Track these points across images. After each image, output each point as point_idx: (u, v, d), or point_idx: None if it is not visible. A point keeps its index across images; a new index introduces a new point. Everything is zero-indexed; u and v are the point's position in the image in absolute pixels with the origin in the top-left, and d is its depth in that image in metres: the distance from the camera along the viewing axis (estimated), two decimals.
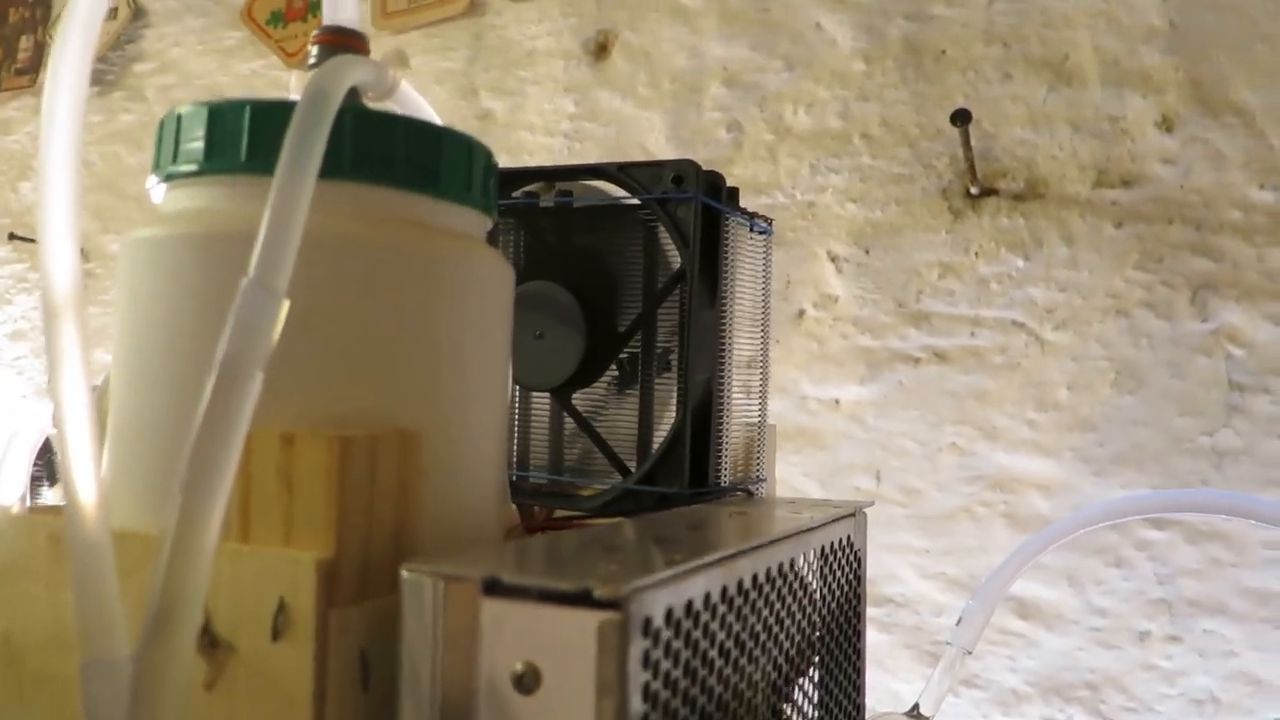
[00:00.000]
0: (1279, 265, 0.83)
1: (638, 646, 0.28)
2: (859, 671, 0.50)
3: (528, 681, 0.29)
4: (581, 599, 0.28)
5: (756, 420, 0.60)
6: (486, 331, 0.40)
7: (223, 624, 0.32)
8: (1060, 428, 0.87)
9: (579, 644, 0.28)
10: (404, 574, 0.30)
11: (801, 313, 0.96)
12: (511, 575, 0.29)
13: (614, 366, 0.55)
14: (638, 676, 0.28)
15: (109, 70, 1.38)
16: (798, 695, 0.43)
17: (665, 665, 0.30)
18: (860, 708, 0.51)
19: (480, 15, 1.17)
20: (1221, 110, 0.85)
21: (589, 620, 0.28)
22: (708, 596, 0.33)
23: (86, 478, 0.29)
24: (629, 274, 0.55)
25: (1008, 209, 0.90)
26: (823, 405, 0.94)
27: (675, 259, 0.53)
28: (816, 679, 0.46)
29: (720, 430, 0.53)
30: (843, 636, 0.49)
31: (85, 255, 1.36)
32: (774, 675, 0.40)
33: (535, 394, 0.58)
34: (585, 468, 0.57)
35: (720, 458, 0.53)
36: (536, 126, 1.08)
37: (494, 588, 0.29)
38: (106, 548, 0.29)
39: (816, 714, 0.46)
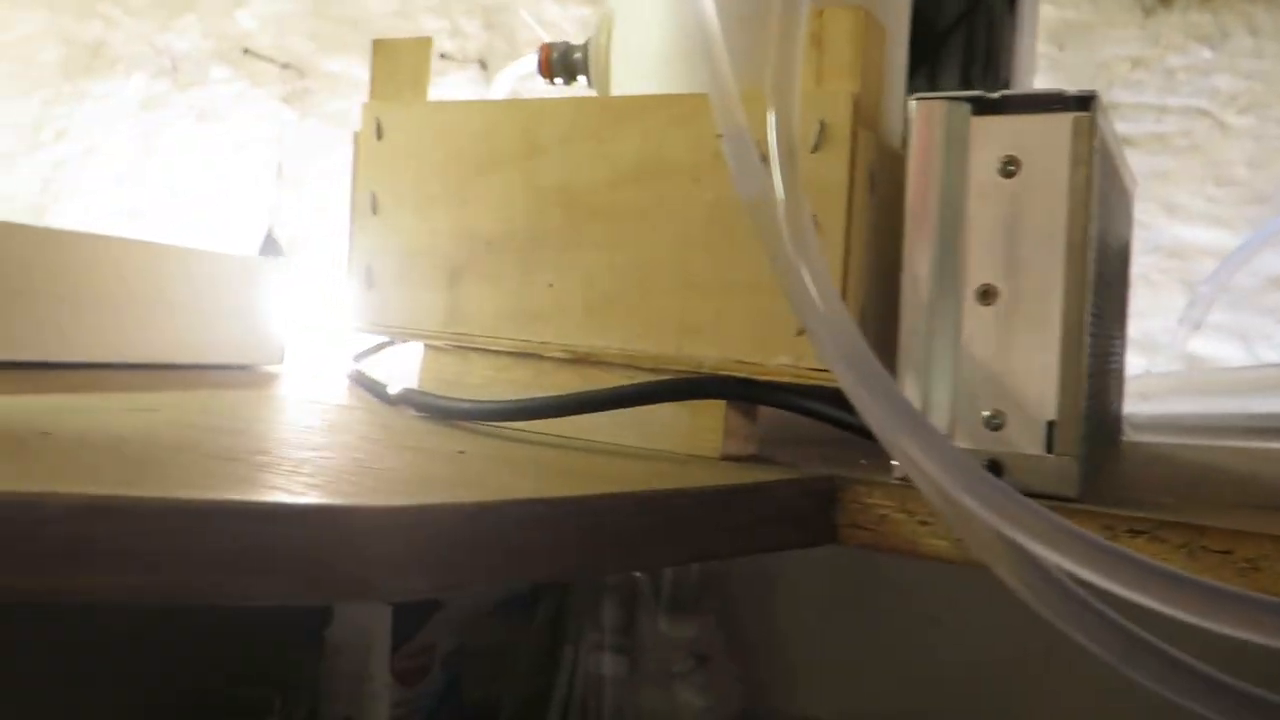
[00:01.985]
0: None
1: (1093, 140, 0.41)
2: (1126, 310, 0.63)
3: (1010, 168, 0.42)
4: (1058, 102, 0.41)
5: None
6: None
7: None
8: (1237, 202, 0.98)
9: (1057, 135, 0.40)
10: (912, 102, 0.43)
11: None
12: (996, 94, 0.42)
13: None
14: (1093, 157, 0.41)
15: None
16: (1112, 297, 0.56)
17: (1096, 163, 0.43)
18: (1124, 340, 0.63)
19: None
20: None
21: (1064, 119, 0.40)
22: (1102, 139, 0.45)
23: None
24: None
25: (1197, 5, 1.00)
26: None
27: None
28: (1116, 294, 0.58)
29: None
30: (1124, 272, 0.61)
31: (301, 73, 1.49)
32: (1111, 249, 0.52)
33: None
34: None
35: None
36: None
37: (982, 104, 0.42)
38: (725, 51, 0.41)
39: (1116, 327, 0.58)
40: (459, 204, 0.53)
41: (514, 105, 0.52)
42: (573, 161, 0.50)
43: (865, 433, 0.34)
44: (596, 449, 0.47)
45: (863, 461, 0.44)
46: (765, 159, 0.38)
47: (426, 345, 0.56)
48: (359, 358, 0.76)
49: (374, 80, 0.57)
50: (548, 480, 0.38)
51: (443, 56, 1.37)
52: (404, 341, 0.59)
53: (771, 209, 0.39)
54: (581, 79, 0.56)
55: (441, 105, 0.54)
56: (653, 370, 0.48)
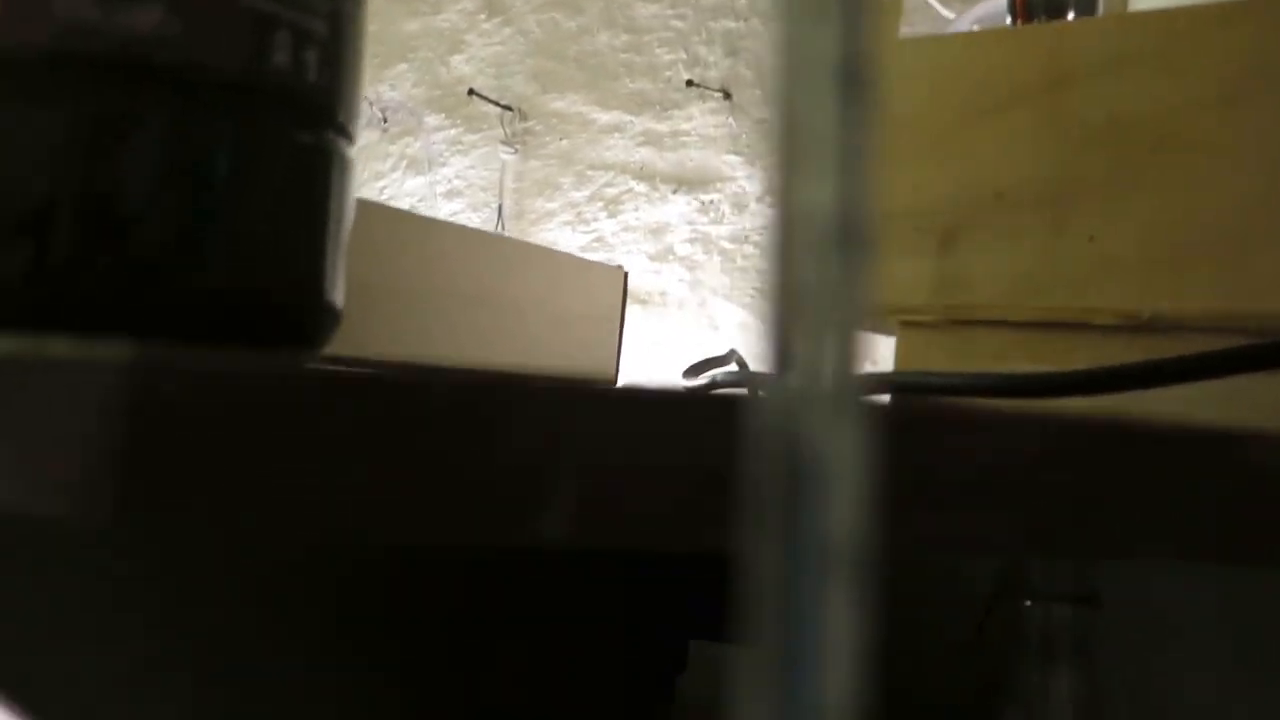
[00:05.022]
0: None
1: None
2: None
3: None
4: None
5: None
6: None
7: None
8: None
9: None
10: None
11: None
12: None
13: None
14: None
15: None
16: None
17: None
18: None
19: None
20: None
21: None
22: None
23: None
24: None
25: None
26: None
27: None
28: None
29: None
30: None
31: (524, 114, 1.46)
32: None
33: None
34: None
35: None
36: None
37: None
38: None
39: None
40: (952, 154, 0.45)
41: (1024, 33, 0.44)
42: (1124, 90, 0.41)
43: None
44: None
45: None
46: None
47: (903, 325, 0.47)
48: (690, 373, 0.68)
49: None
50: None
51: (689, 84, 1.32)
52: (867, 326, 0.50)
53: None
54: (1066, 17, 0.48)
55: (918, 42, 0.47)
56: (1254, 334, 0.38)
